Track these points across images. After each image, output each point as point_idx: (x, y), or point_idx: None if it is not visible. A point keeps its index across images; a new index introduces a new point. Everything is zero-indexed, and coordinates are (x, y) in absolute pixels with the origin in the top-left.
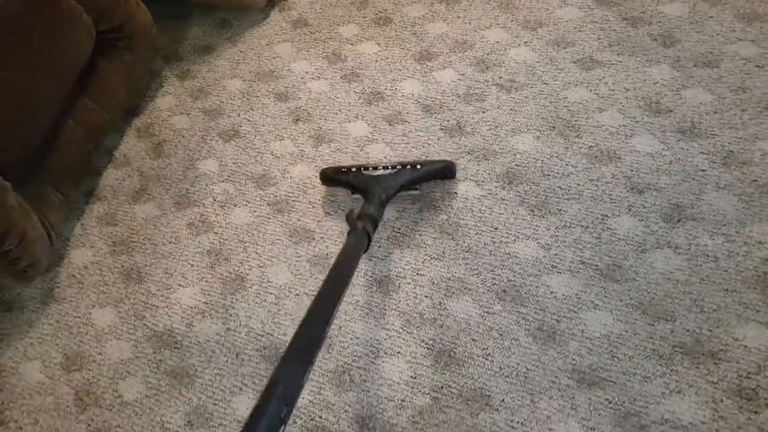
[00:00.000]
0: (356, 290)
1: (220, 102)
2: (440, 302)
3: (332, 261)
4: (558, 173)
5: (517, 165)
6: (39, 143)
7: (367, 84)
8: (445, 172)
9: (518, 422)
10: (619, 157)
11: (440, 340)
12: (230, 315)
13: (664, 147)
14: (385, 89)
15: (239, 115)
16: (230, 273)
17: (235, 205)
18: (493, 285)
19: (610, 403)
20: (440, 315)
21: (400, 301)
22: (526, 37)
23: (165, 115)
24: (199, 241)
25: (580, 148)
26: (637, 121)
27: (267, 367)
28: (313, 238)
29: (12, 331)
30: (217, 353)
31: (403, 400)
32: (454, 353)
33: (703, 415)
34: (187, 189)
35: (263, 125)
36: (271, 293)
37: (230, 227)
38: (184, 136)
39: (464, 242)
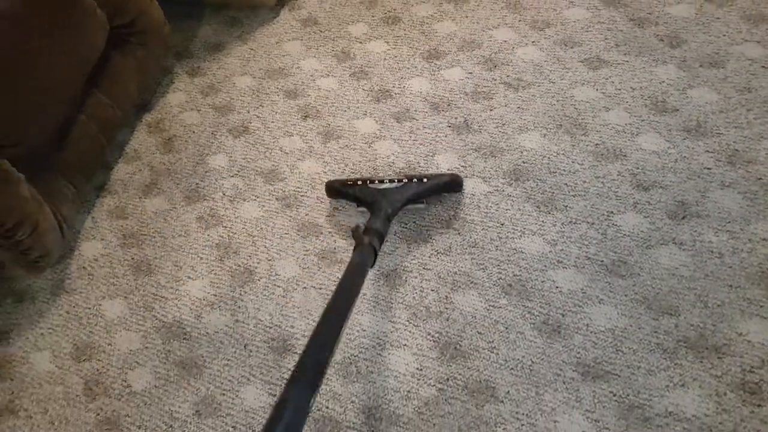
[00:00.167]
0: (364, 283)
1: (230, 99)
2: (446, 296)
3: (339, 254)
4: (564, 170)
5: (523, 162)
6: (52, 136)
7: (376, 82)
8: (452, 185)
9: (523, 414)
10: (625, 155)
11: (446, 333)
12: (239, 307)
13: (669, 145)
14: (394, 87)
15: (249, 112)
16: (239, 266)
17: (244, 200)
18: (499, 279)
19: (614, 395)
20: (446, 308)
21: (407, 294)
22: (534, 36)
23: (175, 111)
24: (208, 235)
25: (587, 145)
26: (643, 120)
27: (275, 358)
28: (321, 233)
29: (22, 321)
30: (226, 344)
31: (409, 392)
32: (460, 346)
33: (707, 408)
34: (197, 183)
35: (272, 122)
36: (279, 286)
37: (239, 221)
38: (194, 132)
39: (471, 237)
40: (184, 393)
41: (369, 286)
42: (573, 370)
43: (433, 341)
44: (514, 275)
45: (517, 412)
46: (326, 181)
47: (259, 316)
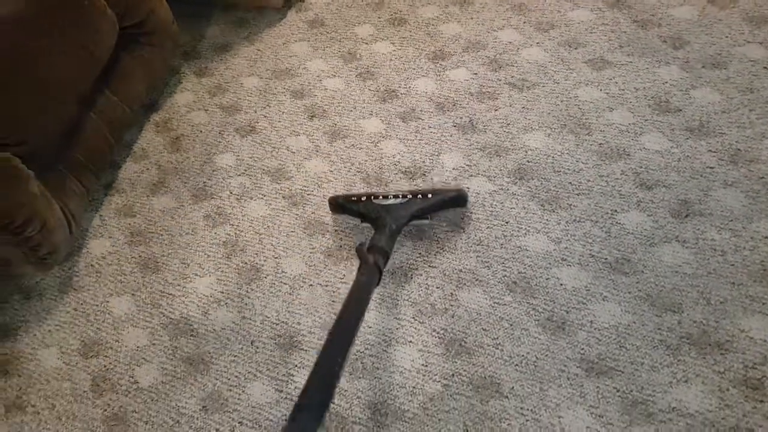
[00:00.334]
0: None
1: (238, 99)
2: (452, 293)
3: (345, 252)
4: (569, 169)
5: (528, 161)
6: (62, 134)
7: (382, 82)
8: (457, 201)
9: (528, 409)
10: (629, 155)
11: (451, 330)
12: (245, 304)
13: (672, 145)
14: (399, 87)
15: (256, 112)
16: (246, 263)
17: (251, 198)
18: (503, 277)
19: (618, 391)
20: (451, 305)
21: (412, 291)
22: (538, 38)
23: (183, 110)
24: (215, 233)
25: (591, 145)
26: (646, 120)
27: (281, 355)
28: (327, 231)
29: (30, 318)
30: (232, 341)
31: (414, 387)
32: (465, 342)
33: (710, 404)
34: (204, 182)
35: (279, 121)
36: (285, 283)
37: (246, 219)
38: (201, 131)
39: (476, 235)
40: (191, 389)
41: None
42: (577, 366)
43: (439, 338)
44: (519, 273)
45: (521, 408)
46: (329, 196)
47: (265, 313)
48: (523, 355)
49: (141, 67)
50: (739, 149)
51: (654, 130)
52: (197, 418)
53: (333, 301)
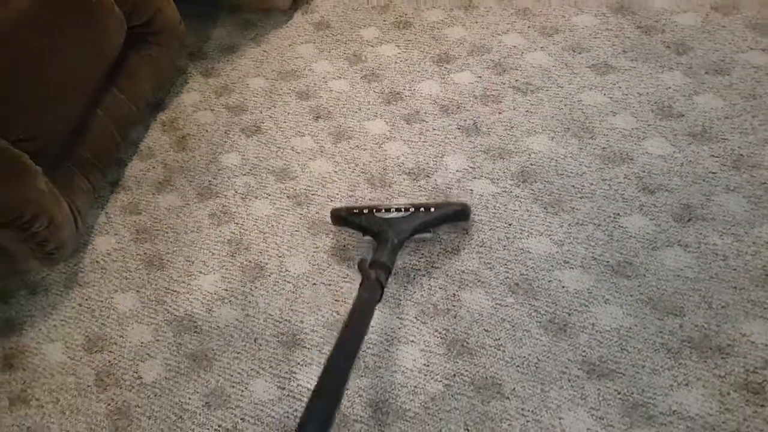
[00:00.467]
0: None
1: (244, 99)
2: (454, 294)
3: (349, 252)
4: (572, 173)
5: (531, 164)
6: (70, 131)
7: (387, 84)
8: (460, 215)
9: (528, 410)
10: (632, 159)
11: (453, 330)
12: (249, 302)
13: (675, 150)
14: (404, 89)
15: (261, 112)
16: (250, 262)
17: (256, 197)
18: (506, 278)
19: (618, 393)
20: (454, 306)
21: (415, 291)
22: (543, 42)
23: (189, 110)
24: (220, 231)
25: (594, 149)
26: (649, 125)
27: (284, 352)
28: (331, 231)
29: (36, 313)
30: (236, 338)
31: (415, 387)
32: (467, 343)
33: (710, 408)
34: (209, 181)
35: (284, 122)
36: (289, 282)
37: (251, 218)
38: (207, 131)
39: (478, 237)
40: (194, 385)
41: None
42: (578, 368)
43: (441, 338)
44: (521, 274)
45: (522, 409)
46: (331, 208)
47: (269, 311)
48: (524, 357)
49: (148, 66)
50: (741, 155)
51: (657, 135)
52: (200, 414)
53: (336, 300)
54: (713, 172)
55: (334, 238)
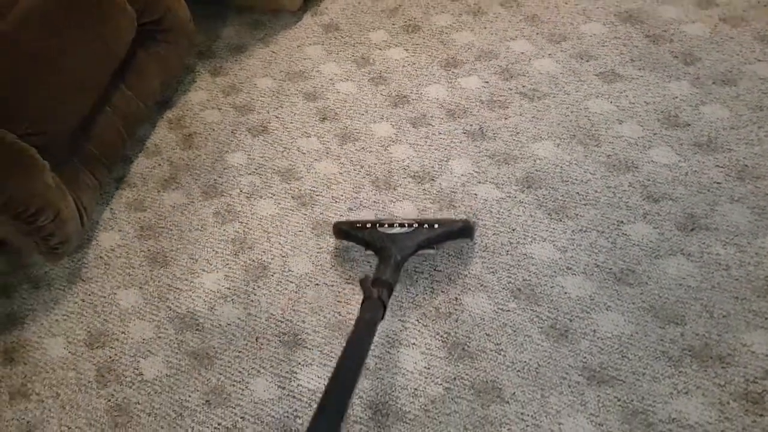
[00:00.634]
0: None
1: (251, 99)
2: (456, 298)
3: (352, 253)
4: (576, 180)
5: (536, 170)
6: (78, 127)
7: (394, 87)
8: (463, 232)
9: (528, 415)
10: (637, 167)
11: (455, 334)
12: (251, 301)
13: (680, 159)
14: (411, 93)
15: (268, 112)
16: (253, 261)
17: (261, 197)
18: (508, 283)
19: (618, 400)
20: (455, 310)
21: (417, 294)
22: (550, 49)
23: (196, 108)
24: (224, 230)
25: (599, 156)
26: (655, 134)
27: (285, 352)
28: None
29: (38, 307)
30: (237, 336)
31: (416, 389)
32: (468, 347)
33: (710, 416)
34: (215, 180)
35: (291, 122)
36: (292, 282)
37: (255, 217)
38: (214, 130)
39: (482, 241)
40: (195, 383)
41: None
42: (579, 375)
43: (442, 341)
44: (524, 280)
45: (522, 413)
46: (334, 221)
47: (271, 311)
48: (525, 362)
49: (156, 63)
50: (746, 165)
51: (662, 144)
52: (200, 412)
53: (338, 301)
54: (718, 182)
55: (338, 240)
